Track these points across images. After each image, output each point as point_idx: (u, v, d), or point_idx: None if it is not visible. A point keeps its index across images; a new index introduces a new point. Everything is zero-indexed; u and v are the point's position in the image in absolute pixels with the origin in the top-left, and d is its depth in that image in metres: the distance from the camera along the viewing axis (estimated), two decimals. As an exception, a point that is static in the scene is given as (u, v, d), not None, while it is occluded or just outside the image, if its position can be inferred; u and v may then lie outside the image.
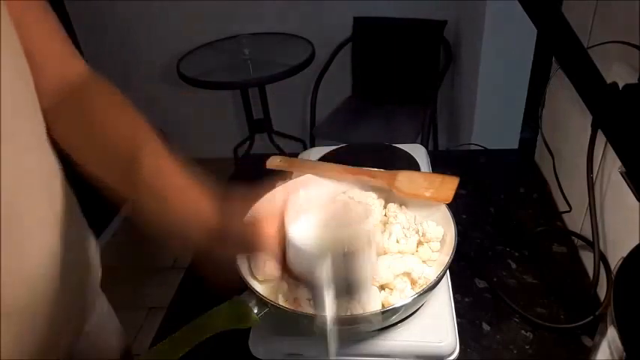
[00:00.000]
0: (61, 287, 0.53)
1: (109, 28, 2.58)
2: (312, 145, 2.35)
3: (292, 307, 0.58)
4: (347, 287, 0.55)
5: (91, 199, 0.67)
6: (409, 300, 0.55)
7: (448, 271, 0.66)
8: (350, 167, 0.77)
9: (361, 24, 2.36)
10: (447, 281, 0.68)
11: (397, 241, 0.64)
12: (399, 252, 0.64)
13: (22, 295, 0.47)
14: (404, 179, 0.73)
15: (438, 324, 0.62)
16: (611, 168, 0.69)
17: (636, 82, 0.56)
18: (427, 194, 0.69)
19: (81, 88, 0.58)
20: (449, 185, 0.70)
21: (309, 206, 0.59)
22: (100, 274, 0.72)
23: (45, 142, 0.52)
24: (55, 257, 0.52)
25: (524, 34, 1.62)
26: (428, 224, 0.65)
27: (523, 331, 0.71)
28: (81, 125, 0.57)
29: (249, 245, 0.57)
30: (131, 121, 0.58)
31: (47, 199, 0.52)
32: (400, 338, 0.61)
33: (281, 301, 0.59)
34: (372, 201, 0.72)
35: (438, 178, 0.72)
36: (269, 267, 0.64)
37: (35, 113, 0.49)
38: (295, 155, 1.04)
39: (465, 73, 2.17)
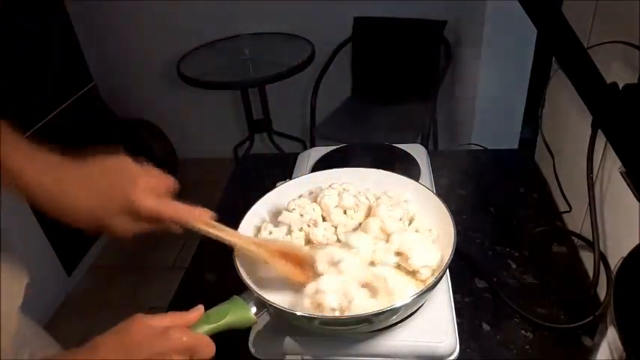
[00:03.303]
0: None
1: (109, 29, 2.58)
2: (312, 145, 2.35)
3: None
4: None
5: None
6: (409, 300, 0.55)
7: (448, 271, 0.66)
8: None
9: (361, 24, 2.36)
10: (447, 281, 0.68)
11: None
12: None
13: None
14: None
15: (438, 324, 0.62)
16: (611, 168, 0.69)
17: (636, 82, 0.56)
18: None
19: None
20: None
21: None
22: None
23: None
24: None
25: (524, 34, 1.62)
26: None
27: (523, 331, 0.71)
28: None
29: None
30: None
31: None
32: (400, 338, 0.61)
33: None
34: (362, 198, 0.72)
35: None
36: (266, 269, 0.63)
37: None
38: (295, 155, 1.04)
39: (465, 73, 2.17)
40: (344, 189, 0.72)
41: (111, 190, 0.53)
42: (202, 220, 0.58)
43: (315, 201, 0.71)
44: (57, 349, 0.80)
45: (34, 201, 0.53)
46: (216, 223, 0.59)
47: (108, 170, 0.55)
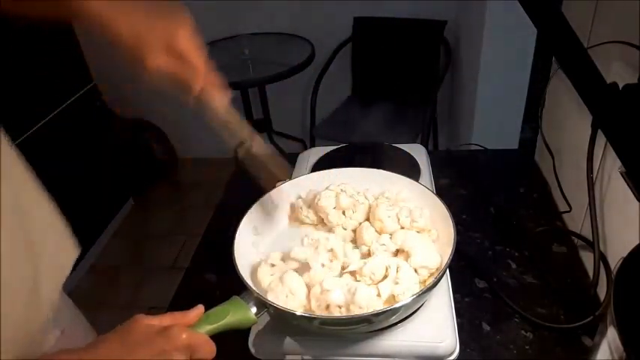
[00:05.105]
0: None
1: (109, 28, 2.58)
2: (312, 145, 2.35)
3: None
4: None
5: (92, 199, 0.68)
6: (409, 300, 0.55)
7: (448, 271, 0.66)
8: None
9: (361, 24, 2.36)
10: (447, 281, 0.68)
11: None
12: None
13: None
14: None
15: (438, 324, 0.62)
16: (611, 168, 0.69)
17: (636, 82, 0.56)
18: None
19: None
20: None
21: None
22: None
23: None
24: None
25: (524, 34, 1.62)
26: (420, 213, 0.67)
27: (523, 331, 0.71)
28: None
29: None
30: None
31: None
32: (400, 338, 0.61)
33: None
34: (361, 198, 0.72)
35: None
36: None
37: None
38: (295, 155, 1.04)
39: (464, 73, 2.17)
40: (341, 190, 0.72)
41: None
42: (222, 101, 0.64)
43: (313, 204, 0.72)
44: (87, 329, 0.79)
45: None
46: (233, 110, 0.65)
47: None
